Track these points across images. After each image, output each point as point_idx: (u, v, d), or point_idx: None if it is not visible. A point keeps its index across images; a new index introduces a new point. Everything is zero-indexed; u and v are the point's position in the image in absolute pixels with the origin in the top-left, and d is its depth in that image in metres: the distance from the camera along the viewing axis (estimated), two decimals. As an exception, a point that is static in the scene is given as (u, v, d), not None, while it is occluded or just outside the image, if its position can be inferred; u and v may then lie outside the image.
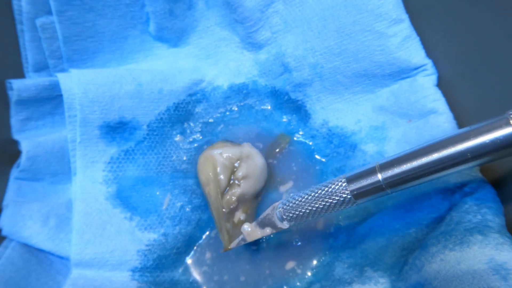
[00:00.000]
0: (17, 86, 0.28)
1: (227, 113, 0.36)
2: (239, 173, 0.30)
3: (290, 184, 0.33)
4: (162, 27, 0.33)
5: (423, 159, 0.19)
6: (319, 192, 0.23)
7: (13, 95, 0.29)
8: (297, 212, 0.24)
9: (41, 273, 0.27)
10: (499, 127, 0.18)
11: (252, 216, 0.31)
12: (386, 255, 0.26)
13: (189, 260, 0.31)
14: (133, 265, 0.29)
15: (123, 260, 0.28)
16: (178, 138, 0.34)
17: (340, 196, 0.22)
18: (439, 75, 0.29)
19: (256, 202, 0.32)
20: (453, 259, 0.21)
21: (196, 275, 0.31)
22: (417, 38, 0.28)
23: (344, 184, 0.22)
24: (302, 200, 0.24)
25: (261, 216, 0.26)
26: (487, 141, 0.18)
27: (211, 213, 0.31)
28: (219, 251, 0.31)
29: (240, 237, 0.28)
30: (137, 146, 0.32)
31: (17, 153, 0.29)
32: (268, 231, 0.26)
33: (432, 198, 0.25)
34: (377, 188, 0.21)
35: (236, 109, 0.36)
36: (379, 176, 0.21)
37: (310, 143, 0.34)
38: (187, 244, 0.31)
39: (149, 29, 0.33)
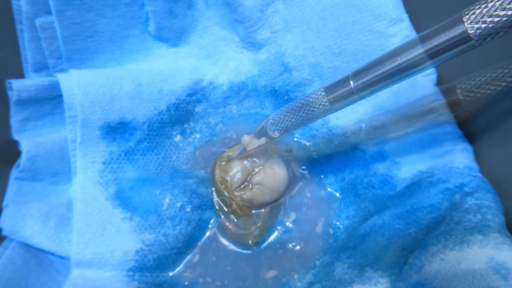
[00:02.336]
0: (17, 86, 0.28)
1: (227, 113, 0.36)
2: (255, 178, 0.30)
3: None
4: (162, 27, 0.33)
5: (387, 63, 0.21)
6: (301, 103, 0.26)
7: (13, 95, 0.29)
8: (285, 122, 0.27)
9: (41, 273, 0.27)
10: (453, 25, 0.18)
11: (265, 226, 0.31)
12: (386, 255, 0.26)
13: (189, 261, 0.31)
14: (133, 265, 0.29)
15: (123, 260, 0.28)
16: (178, 138, 0.34)
17: (320, 104, 0.24)
18: (439, 75, 0.29)
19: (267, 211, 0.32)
20: (453, 258, 0.21)
21: (196, 275, 0.31)
22: (417, 38, 0.28)
23: (323, 94, 0.24)
24: (288, 111, 0.26)
25: (258, 129, 0.29)
26: (442, 41, 0.19)
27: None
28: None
29: (241, 147, 0.30)
30: (137, 146, 0.32)
31: (17, 153, 0.29)
32: (263, 140, 0.28)
33: (432, 198, 0.25)
34: (349, 93, 0.23)
35: (235, 108, 0.36)
36: (351, 83, 0.23)
37: (310, 143, 0.34)
38: (187, 244, 0.31)
39: (149, 29, 0.33)
